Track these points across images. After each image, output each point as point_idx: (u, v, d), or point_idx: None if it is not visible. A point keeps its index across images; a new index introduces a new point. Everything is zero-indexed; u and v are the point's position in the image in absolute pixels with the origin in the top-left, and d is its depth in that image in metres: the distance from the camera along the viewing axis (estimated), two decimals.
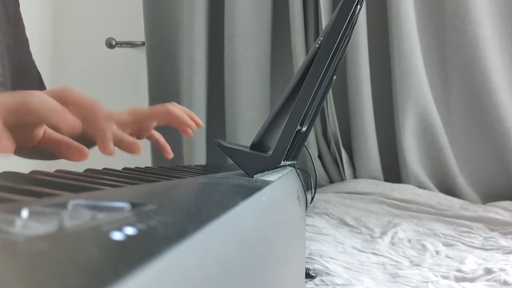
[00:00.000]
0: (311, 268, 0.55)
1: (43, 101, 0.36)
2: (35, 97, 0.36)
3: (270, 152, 0.36)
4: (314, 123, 0.72)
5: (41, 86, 0.83)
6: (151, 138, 0.67)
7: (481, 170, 1.25)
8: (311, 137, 1.33)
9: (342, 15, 0.36)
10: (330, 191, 1.18)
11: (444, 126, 1.27)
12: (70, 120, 0.35)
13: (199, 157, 1.38)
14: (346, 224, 0.86)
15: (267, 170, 0.38)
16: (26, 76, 0.80)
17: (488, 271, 0.56)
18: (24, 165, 0.76)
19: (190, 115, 0.62)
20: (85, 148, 0.40)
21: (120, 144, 0.54)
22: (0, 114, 0.36)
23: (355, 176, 1.31)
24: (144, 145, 0.77)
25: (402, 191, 1.14)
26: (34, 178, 0.25)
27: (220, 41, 1.40)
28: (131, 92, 1.70)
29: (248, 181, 0.32)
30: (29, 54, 0.82)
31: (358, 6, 0.40)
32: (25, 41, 0.81)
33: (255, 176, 0.35)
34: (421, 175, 1.24)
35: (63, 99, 0.39)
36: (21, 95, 0.37)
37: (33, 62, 0.82)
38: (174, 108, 0.60)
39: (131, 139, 0.55)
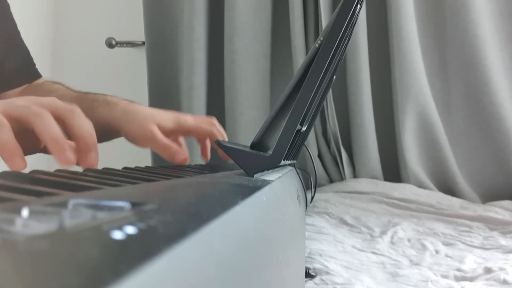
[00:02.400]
0: (311, 267, 0.55)
1: (48, 128, 0.37)
2: (42, 120, 0.37)
3: (270, 152, 0.36)
4: (314, 123, 0.72)
5: (27, 57, 0.80)
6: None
7: (481, 170, 1.25)
8: (311, 136, 1.33)
9: (342, 15, 0.36)
10: (330, 190, 1.18)
11: (444, 126, 1.27)
12: (68, 157, 0.36)
13: (199, 157, 1.38)
14: (346, 223, 0.86)
15: (267, 170, 0.38)
16: (15, 50, 0.77)
17: (488, 270, 0.56)
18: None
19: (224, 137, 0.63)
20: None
21: (163, 151, 0.55)
22: (9, 122, 0.37)
23: (355, 175, 1.31)
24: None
25: (402, 190, 1.14)
26: (34, 177, 0.25)
27: (220, 41, 1.40)
28: (131, 92, 1.70)
29: (248, 180, 0.32)
30: (12, 20, 0.78)
31: (358, 6, 0.40)
32: (6, 6, 0.77)
33: (255, 175, 0.36)
34: (421, 175, 1.24)
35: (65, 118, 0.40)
36: (30, 110, 0.37)
37: (18, 33, 0.79)
38: (218, 129, 0.62)
39: (175, 148, 0.55)
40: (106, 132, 0.60)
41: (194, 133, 0.62)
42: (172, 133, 0.61)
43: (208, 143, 0.65)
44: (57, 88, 0.72)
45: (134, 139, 0.59)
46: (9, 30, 0.78)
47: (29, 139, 0.40)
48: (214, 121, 0.63)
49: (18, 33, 0.79)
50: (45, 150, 0.46)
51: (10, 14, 0.78)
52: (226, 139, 0.63)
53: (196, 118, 0.63)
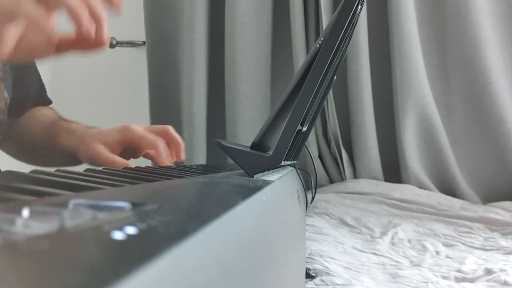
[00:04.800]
0: (311, 268, 0.55)
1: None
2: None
3: (271, 152, 0.36)
4: (314, 123, 0.72)
5: (40, 85, 0.83)
6: (147, 156, 0.68)
7: (482, 170, 1.25)
8: (312, 137, 1.33)
9: (343, 15, 0.36)
10: (330, 191, 1.18)
11: (445, 126, 1.27)
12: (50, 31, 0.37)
13: (200, 157, 1.38)
14: (346, 224, 0.86)
15: (268, 170, 0.38)
16: (27, 71, 0.80)
17: (488, 272, 0.56)
18: (25, 165, 0.77)
19: (177, 147, 0.63)
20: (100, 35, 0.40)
21: (108, 165, 0.56)
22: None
23: (355, 176, 1.31)
24: None
25: (402, 191, 1.14)
26: (35, 177, 0.25)
27: (220, 40, 1.40)
28: (131, 92, 1.70)
29: (248, 181, 0.32)
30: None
31: (359, 6, 0.40)
32: None
33: (255, 176, 0.36)
34: (421, 175, 1.24)
35: None
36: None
37: (36, 67, 0.83)
38: (162, 144, 0.61)
39: (119, 160, 0.56)
40: (69, 158, 0.64)
41: (139, 143, 0.62)
42: (121, 143, 0.62)
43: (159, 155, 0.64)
44: (43, 113, 0.77)
45: (86, 160, 0.63)
46: (30, 66, 0.81)
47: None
48: (168, 129, 0.63)
49: (36, 67, 0.83)
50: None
51: None
52: (182, 147, 0.63)
53: (146, 127, 0.64)
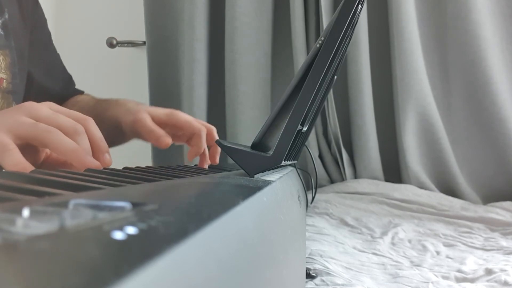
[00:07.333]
0: (312, 268, 0.55)
1: (62, 142, 0.38)
2: (54, 136, 0.38)
3: (271, 152, 0.36)
4: (315, 123, 0.72)
5: (68, 80, 0.84)
6: (188, 143, 0.69)
7: (482, 171, 1.25)
8: (312, 137, 1.33)
9: (343, 15, 0.36)
10: (331, 191, 1.18)
11: (445, 127, 1.27)
12: (91, 161, 0.37)
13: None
14: (346, 224, 0.86)
15: (268, 170, 0.38)
16: (52, 76, 0.82)
17: (489, 272, 0.56)
18: None
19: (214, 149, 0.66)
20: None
21: (150, 135, 0.57)
22: (15, 140, 0.37)
23: (355, 176, 1.31)
24: (144, 145, 0.77)
25: (403, 191, 1.14)
26: (35, 177, 0.25)
27: (221, 40, 1.40)
28: (131, 92, 1.70)
29: (248, 181, 0.32)
30: (53, 51, 0.84)
31: (359, 6, 0.40)
32: (48, 38, 0.83)
33: (255, 176, 0.36)
34: (422, 175, 1.24)
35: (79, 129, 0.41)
36: (39, 128, 0.38)
37: (58, 57, 0.85)
38: (205, 134, 0.63)
39: (161, 132, 0.57)
40: (116, 130, 0.65)
41: (184, 128, 0.64)
42: (164, 124, 0.63)
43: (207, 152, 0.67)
44: (81, 99, 0.81)
45: (128, 128, 0.63)
46: (53, 58, 0.84)
47: (28, 156, 0.40)
48: (209, 129, 0.65)
49: (59, 58, 0.86)
50: (42, 166, 0.47)
51: (51, 42, 0.85)
52: (218, 150, 0.65)
53: (191, 117, 0.65)
